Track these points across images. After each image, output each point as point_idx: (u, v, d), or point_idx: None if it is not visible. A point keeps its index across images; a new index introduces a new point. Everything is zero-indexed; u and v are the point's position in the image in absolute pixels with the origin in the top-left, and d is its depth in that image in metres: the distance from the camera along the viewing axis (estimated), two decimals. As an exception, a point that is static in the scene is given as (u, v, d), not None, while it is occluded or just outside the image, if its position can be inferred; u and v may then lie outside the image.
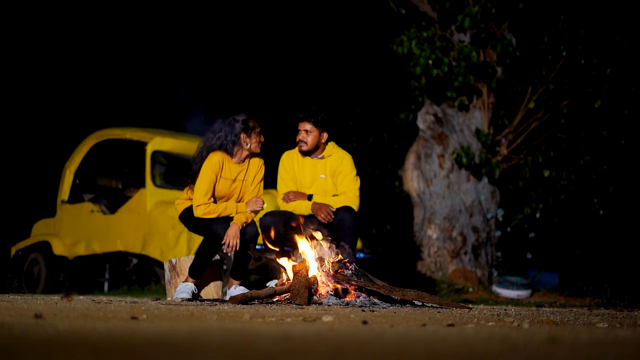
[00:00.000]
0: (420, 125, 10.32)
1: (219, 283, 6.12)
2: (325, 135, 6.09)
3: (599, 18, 10.45)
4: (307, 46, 16.15)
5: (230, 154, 5.93)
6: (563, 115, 10.44)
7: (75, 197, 9.97)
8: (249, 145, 5.90)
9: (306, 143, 6.04)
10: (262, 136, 5.95)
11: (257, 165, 6.05)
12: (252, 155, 6.00)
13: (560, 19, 10.18)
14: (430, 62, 9.50)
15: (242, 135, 5.88)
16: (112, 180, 10.62)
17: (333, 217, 5.88)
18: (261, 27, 17.07)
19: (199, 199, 5.87)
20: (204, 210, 5.86)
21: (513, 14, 10.09)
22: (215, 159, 5.87)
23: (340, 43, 15.77)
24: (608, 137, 10.55)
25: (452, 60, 9.65)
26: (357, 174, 6.17)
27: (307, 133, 6.04)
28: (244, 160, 5.97)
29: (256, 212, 6.02)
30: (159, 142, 9.38)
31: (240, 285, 5.99)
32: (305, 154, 6.10)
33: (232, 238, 5.80)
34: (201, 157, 5.94)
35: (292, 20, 16.63)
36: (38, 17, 16.75)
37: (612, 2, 10.72)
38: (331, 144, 6.17)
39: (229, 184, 5.94)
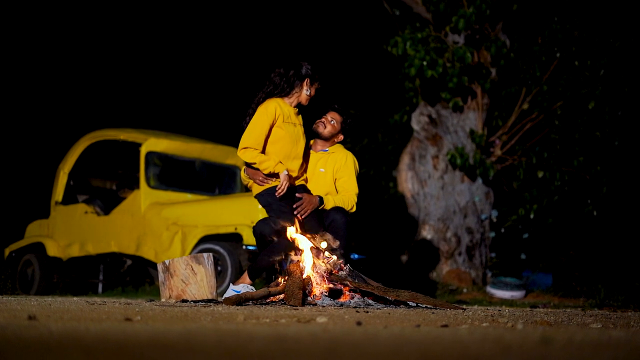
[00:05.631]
0: (415, 126, 10.33)
1: (213, 284, 6.09)
2: (340, 137, 6.19)
3: (592, 20, 10.46)
4: (301, 47, 16.14)
5: (287, 96, 5.71)
6: (557, 116, 10.45)
7: (69, 198, 9.95)
8: (308, 91, 5.72)
9: (325, 127, 6.07)
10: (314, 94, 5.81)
11: (300, 118, 5.86)
12: (298, 107, 5.81)
13: (554, 20, 10.19)
14: (424, 63, 9.51)
15: (307, 80, 5.71)
16: (106, 182, 10.60)
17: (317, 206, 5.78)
18: (258, 28, 17.05)
19: (247, 141, 5.57)
20: (251, 154, 5.55)
21: (507, 16, 10.10)
22: (272, 105, 5.62)
23: (334, 44, 15.77)
24: (602, 138, 10.56)
25: (446, 61, 9.66)
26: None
27: (331, 122, 6.09)
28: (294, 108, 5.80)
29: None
30: (153, 143, 9.37)
31: (251, 285, 5.77)
32: (315, 135, 6.11)
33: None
34: (257, 103, 5.70)
35: (287, 21, 16.63)
36: (33, 19, 16.71)
37: (606, 4, 10.74)
38: (339, 144, 6.23)
39: (292, 128, 5.70)
